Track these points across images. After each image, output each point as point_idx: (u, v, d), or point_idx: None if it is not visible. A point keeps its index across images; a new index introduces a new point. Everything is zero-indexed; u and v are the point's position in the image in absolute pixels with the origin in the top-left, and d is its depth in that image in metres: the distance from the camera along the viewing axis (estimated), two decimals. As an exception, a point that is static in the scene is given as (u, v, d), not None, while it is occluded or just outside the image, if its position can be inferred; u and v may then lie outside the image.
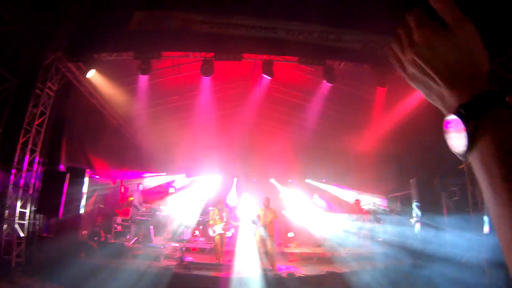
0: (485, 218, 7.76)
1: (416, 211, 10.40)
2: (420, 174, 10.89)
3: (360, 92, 12.39)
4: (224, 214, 11.07)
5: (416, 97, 10.80)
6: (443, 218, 9.75)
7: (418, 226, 10.25)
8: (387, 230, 12.29)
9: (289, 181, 17.18)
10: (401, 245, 10.70)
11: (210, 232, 11.10)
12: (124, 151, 14.57)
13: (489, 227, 7.60)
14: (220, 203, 11.13)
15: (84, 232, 10.35)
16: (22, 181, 8.73)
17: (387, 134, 13.02)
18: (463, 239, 8.75)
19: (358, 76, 11.49)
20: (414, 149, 12.21)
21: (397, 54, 0.84)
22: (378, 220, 12.79)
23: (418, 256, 9.48)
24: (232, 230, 13.04)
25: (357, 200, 14.31)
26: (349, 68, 10.63)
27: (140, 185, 12.99)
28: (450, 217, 9.67)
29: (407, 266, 9.10)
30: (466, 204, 9.31)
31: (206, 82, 11.87)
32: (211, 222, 11.15)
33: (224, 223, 10.81)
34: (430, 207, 9.98)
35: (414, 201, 10.61)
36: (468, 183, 9.38)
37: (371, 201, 14.96)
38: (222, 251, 10.93)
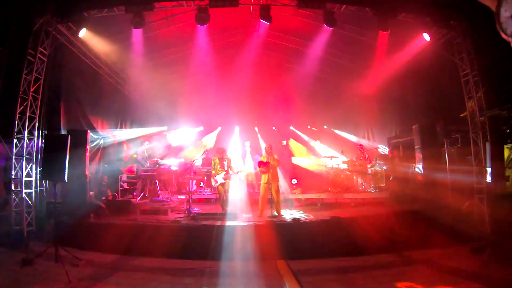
0: (488, 168, 7.75)
1: (418, 157, 10.43)
2: (423, 121, 10.80)
3: (362, 36, 11.98)
4: (225, 163, 11.12)
5: (419, 42, 10.47)
6: (445, 164, 9.78)
7: (420, 171, 10.33)
8: (389, 175, 12.42)
9: (291, 127, 17.16)
10: (402, 191, 10.89)
11: (213, 182, 11.28)
12: (124, 109, 14.45)
13: (490, 177, 7.62)
14: (220, 152, 11.11)
15: (91, 193, 10.48)
16: (24, 150, 8.74)
17: (389, 80, 12.79)
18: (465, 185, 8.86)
19: (359, 20, 11.01)
20: (416, 95, 12.06)
21: None
22: (380, 166, 12.90)
23: (420, 201, 9.64)
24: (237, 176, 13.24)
25: (360, 145, 14.34)
26: (350, 12, 10.15)
27: (144, 141, 13.00)
28: (452, 164, 9.70)
29: (406, 211, 9.27)
30: (468, 151, 9.29)
31: (202, 32, 11.52)
32: (213, 172, 11.32)
33: (225, 172, 10.95)
34: (432, 154, 10.00)
35: (416, 147, 10.60)
36: (471, 131, 9.31)
37: (374, 146, 15.00)
38: (227, 200, 11.19)
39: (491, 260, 6.89)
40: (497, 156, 7.71)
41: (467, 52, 9.57)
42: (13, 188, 8.56)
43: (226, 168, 10.89)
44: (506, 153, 8.87)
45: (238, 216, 9.59)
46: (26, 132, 8.76)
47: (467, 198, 9.03)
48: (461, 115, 9.85)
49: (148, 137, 14.49)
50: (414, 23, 9.82)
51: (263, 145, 15.53)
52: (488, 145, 7.89)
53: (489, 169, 7.67)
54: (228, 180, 10.88)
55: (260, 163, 10.22)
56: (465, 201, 9.07)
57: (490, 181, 7.66)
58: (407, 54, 11.11)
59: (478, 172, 8.78)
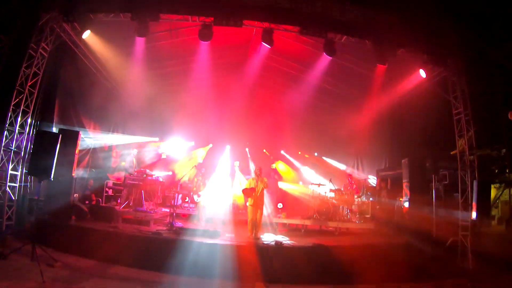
0: (474, 205, 7.83)
1: (405, 191, 10.49)
2: (413, 155, 10.91)
3: (359, 68, 12.22)
4: (200, 178, 11.68)
5: (415, 78, 10.73)
6: (432, 200, 9.84)
7: (406, 205, 10.37)
8: (376, 206, 12.46)
9: (281, 152, 17.19)
10: (389, 222, 10.90)
11: (195, 198, 11.42)
12: (118, 115, 14.27)
13: (476, 214, 7.69)
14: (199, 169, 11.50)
15: (76, 195, 10.27)
16: (13, 143, 8.61)
17: (383, 112, 13.00)
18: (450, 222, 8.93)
19: (358, 51, 11.27)
20: (408, 130, 12.23)
21: None
22: (367, 197, 12.94)
23: (405, 234, 9.65)
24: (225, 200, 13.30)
25: (348, 175, 14.40)
26: (350, 43, 10.42)
27: (134, 150, 12.92)
28: (438, 200, 9.76)
29: (390, 244, 9.26)
30: (455, 189, 9.39)
31: (203, 48, 11.65)
32: (194, 188, 11.50)
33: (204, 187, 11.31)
34: (419, 188, 10.07)
35: (405, 181, 10.67)
36: (459, 169, 9.44)
37: (362, 177, 15.08)
38: (206, 216, 11.28)
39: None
40: (484, 195, 7.78)
41: (461, 91, 9.80)
42: (-4, 180, 8.41)
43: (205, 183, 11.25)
44: (493, 192, 8.97)
45: (221, 235, 9.48)
46: (17, 125, 8.65)
47: (451, 234, 9.07)
48: (451, 153, 9.99)
49: (138, 146, 14.41)
50: (412, 59, 10.09)
51: (252, 166, 15.63)
52: (475, 183, 7.98)
53: (475, 207, 7.72)
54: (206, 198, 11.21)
55: (245, 191, 10.26)
56: (449, 237, 9.10)
57: (475, 218, 7.70)
58: (403, 88, 11.39)
59: (463, 209, 8.86)
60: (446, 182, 10.36)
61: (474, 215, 7.73)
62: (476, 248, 8.25)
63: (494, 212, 9.14)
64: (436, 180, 10.34)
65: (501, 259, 7.09)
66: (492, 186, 8.57)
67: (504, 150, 9.44)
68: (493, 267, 7.21)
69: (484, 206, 7.73)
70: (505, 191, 9.35)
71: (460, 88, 9.83)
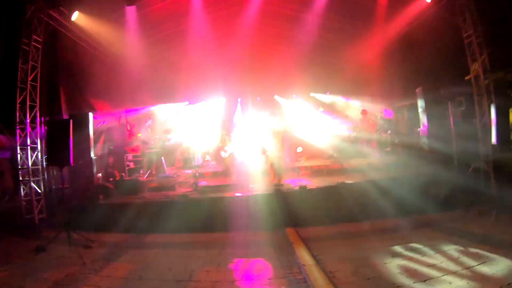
0: (493, 129, 7.63)
1: (422, 121, 10.28)
2: (426, 83, 10.56)
3: (360, -1, 11.62)
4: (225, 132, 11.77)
5: (419, 4, 10.15)
6: (450, 127, 9.65)
7: (424, 135, 10.21)
8: (394, 140, 12.35)
9: (293, 96, 16.97)
10: (410, 154, 10.84)
11: (222, 154, 11.49)
12: (124, 88, 14.24)
13: (495, 138, 7.52)
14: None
15: (99, 174, 10.49)
16: (28, 140, 8.71)
17: (391, 43, 12.50)
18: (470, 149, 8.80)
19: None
20: (419, 58, 11.74)
21: None
22: (385, 130, 12.81)
23: (426, 164, 9.62)
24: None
25: (363, 110, 14.18)
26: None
27: (149, 120, 13.00)
28: (456, 127, 9.56)
29: (411, 175, 9.27)
30: (473, 114, 9.15)
31: (196, 4, 11.33)
32: (220, 144, 11.53)
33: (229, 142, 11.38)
34: (436, 116, 9.84)
35: (420, 110, 10.43)
36: (475, 94, 9.12)
37: (378, 111, 14.83)
38: (234, 171, 11.41)
39: (497, 223, 6.94)
40: (502, 119, 7.54)
41: (470, 13, 9.11)
42: (20, 178, 8.59)
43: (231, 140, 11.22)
44: (511, 117, 8.70)
45: (245, 187, 9.64)
46: (28, 121, 8.71)
47: (472, 160, 8.96)
48: (466, 78, 9.60)
49: (151, 115, 14.44)
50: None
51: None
52: (493, 107, 7.70)
53: (494, 131, 7.53)
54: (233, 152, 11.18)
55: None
56: (470, 163, 9.01)
57: (495, 142, 7.54)
58: (408, 16, 10.85)
59: (483, 134, 8.68)
60: (463, 108, 10.07)
61: (493, 139, 7.55)
62: (499, 173, 8.18)
63: (512, 137, 8.89)
64: (452, 107, 10.05)
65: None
66: (510, 110, 8.30)
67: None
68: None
69: (503, 131, 7.50)
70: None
71: (468, 10, 9.14)
